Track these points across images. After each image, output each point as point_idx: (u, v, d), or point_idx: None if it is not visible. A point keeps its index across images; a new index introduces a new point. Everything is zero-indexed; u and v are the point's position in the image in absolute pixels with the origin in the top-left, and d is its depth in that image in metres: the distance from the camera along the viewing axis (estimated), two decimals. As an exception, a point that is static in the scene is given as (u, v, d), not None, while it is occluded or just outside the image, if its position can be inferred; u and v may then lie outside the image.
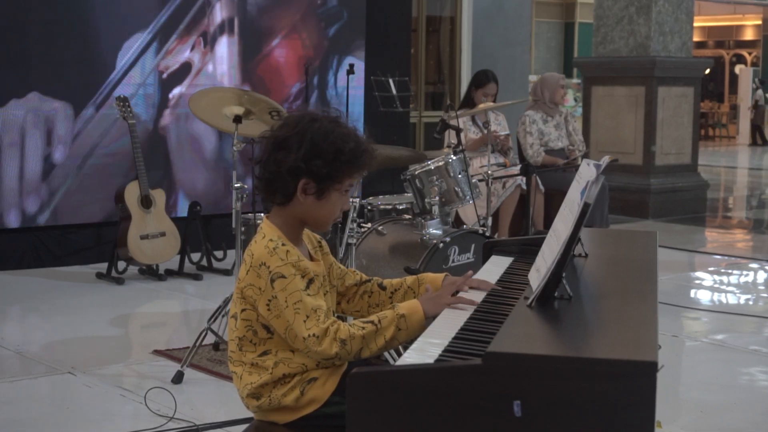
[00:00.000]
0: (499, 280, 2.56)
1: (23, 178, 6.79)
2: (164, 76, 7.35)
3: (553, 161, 7.22)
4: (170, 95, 7.40)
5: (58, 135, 6.89)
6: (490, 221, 5.74)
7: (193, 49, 7.48)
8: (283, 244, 2.33)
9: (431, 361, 1.97)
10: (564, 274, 2.20)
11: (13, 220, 6.76)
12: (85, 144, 7.01)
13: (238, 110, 4.67)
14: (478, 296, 2.41)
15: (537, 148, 7.27)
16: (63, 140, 6.91)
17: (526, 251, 2.82)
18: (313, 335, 2.25)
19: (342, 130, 2.36)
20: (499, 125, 7.07)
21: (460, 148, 5.18)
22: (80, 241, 7.03)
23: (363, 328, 2.27)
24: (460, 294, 2.40)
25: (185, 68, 7.48)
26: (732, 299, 6.41)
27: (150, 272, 6.60)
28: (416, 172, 4.93)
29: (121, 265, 6.50)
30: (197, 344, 4.46)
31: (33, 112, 6.78)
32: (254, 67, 7.84)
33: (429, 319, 2.32)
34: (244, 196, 4.56)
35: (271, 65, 7.94)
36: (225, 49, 7.67)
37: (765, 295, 6.64)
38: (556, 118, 7.41)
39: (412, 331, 2.28)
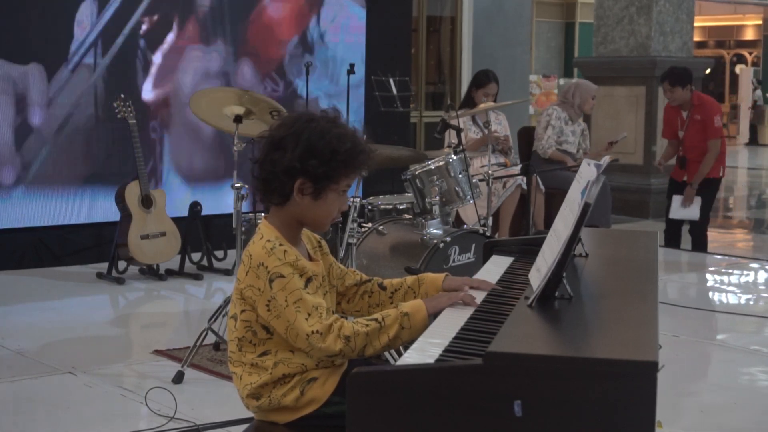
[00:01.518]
0: (499, 280, 2.56)
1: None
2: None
3: (562, 158, 7.28)
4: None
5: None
6: (490, 221, 5.74)
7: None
8: (280, 245, 2.32)
9: (431, 361, 1.97)
10: (564, 274, 2.20)
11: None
12: (84, 141, 7.03)
13: (239, 110, 4.67)
14: (479, 296, 2.41)
15: (551, 141, 7.33)
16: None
17: (526, 251, 2.82)
18: (317, 332, 2.25)
19: (339, 130, 2.35)
20: (500, 125, 7.07)
21: (461, 148, 5.18)
22: (80, 241, 7.02)
23: (367, 325, 2.28)
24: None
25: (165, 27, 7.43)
26: (732, 299, 6.41)
27: (150, 272, 6.60)
28: (417, 172, 4.93)
29: (122, 265, 6.50)
30: (198, 344, 4.46)
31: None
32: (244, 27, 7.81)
33: (432, 317, 2.32)
34: (245, 195, 4.56)
35: (263, 23, 7.90)
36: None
37: (765, 295, 6.64)
38: (575, 126, 7.47)
39: (415, 330, 2.28)
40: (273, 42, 7.95)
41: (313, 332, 2.25)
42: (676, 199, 7.54)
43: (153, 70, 7.34)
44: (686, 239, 7.78)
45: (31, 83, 6.79)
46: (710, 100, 7.72)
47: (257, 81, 7.83)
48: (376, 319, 2.30)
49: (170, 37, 7.41)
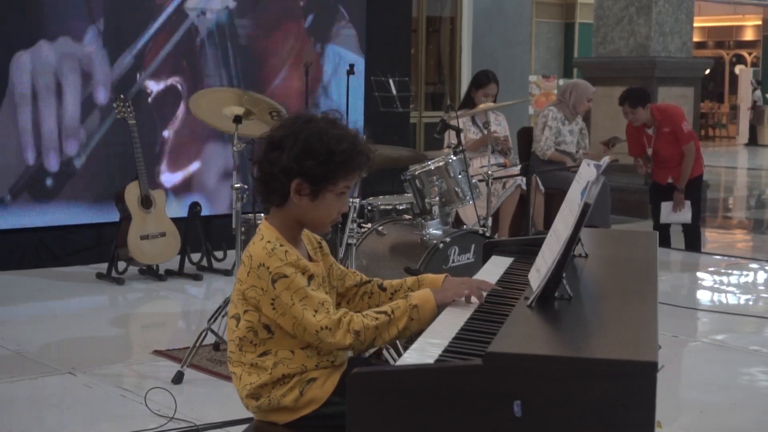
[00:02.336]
0: (499, 281, 2.57)
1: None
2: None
3: (561, 158, 7.28)
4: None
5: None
6: (490, 221, 5.74)
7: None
8: (281, 245, 2.33)
9: (431, 361, 1.97)
10: (564, 275, 2.20)
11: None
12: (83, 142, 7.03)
13: (238, 110, 4.66)
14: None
15: (549, 143, 7.33)
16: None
17: (526, 251, 2.82)
18: (326, 327, 2.26)
19: (337, 132, 2.35)
20: (499, 125, 7.07)
21: (460, 148, 5.18)
22: (80, 241, 7.02)
23: (376, 318, 2.29)
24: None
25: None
26: (732, 299, 6.41)
27: (150, 272, 6.60)
28: (416, 173, 4.93)
29: (122, 265, 6.50)
30: (197, 344, 4.46)
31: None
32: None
33: (440, 308, 2.33)
34: (244, 196, 4.56)
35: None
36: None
37: (765, 295, 6.65)
38: (573, 125, 7.46)
39: (424, 321, 2.29)
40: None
41: (322, 328, 2.26)
42: (666, 206, 7.54)
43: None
44: (680, 239, 7.78)
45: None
46: (672, 109, 7.71)
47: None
48: (385, 312, 2.31)
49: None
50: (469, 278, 2.51)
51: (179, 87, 7.43)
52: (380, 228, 4.91)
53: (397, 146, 5.62)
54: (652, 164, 7.62)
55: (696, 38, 20.77)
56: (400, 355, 2.13)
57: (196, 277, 6.59)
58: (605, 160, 2.50)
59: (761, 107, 23.35)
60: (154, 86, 7.32)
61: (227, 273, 6.61)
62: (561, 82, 15.44)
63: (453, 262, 4.73)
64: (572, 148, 7.45)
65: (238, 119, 4.65)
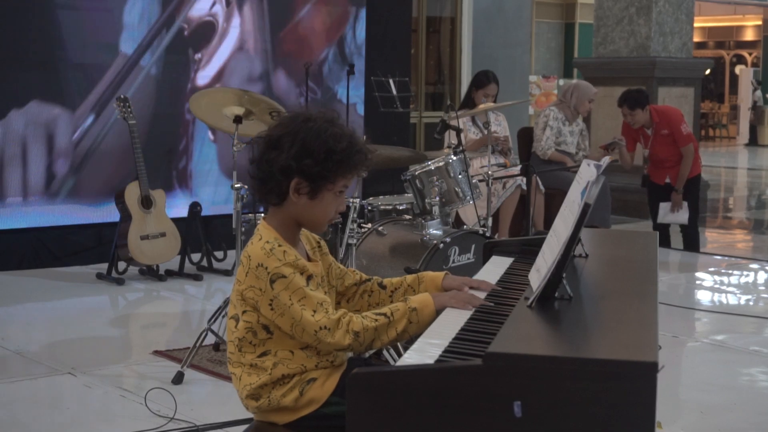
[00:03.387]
0: (499, 281, 2.57)
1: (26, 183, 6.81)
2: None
3: (562, 158, 7.27)
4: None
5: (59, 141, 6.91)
6: (490, 221, 5.74)
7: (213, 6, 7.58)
8: (279, 245, 2.32)
9: (431, 361, 1.97)
10: (564, 275, 2.20)
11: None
12: (86, 144, 7.03)
13: (239, 110, 4.67)
14: (479, 296, 2.41)
15: (550, 142, 7.32)
16: (64, 147, 6.93)
17: (526, 251, 2.82)
18: (324, 327, 2.26)
19: (335, 130, 2.35)
20: (500, 126, 7.07)
21: (461, 148, 5.18)
22: (80, 241, 7.02)
23: (376, 320, 2.29)
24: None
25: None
26: (732, 300, 6.41)
27: (150, 273, 6.60)
28: (416, 173, 4.93)
29: (122, 265, 6.50)
30: (197, 345, 4.46)
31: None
32: (285, 33, 7.93)
33: (438, 312, 2.33)
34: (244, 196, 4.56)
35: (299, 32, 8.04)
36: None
37: (765, 295, 6.65)
38: (574, 126, 7.45)
39: (423, 324, 2.29)
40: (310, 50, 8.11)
41: (321, 328, 2.26)
42: (664, 206, 7.53)
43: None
44: (679, 239, 7.78)
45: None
46: (670, 111, 7.69)
47: (294, 85, 8.00)
48: (384, 314, 2.31)
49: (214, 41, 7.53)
50: (469, 278, 2.51)
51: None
52: (380, 228, 4.91)
53: (397, 146, 5.62)
54: (648, 164, 7.61)
55: (696, 38, 20.75)
56: (400, 355, 2.13)
57: (196, 277, 6.59)
58: (605, 160, 2.50)
59: (761, 107, 23.35)
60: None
61: (227, 273, 6.61)
62: (561, 82, 15.45)
63: (453, 262, 4.73)
64: (572, 149, 7.45)
65: (238, 119, 4.65)
